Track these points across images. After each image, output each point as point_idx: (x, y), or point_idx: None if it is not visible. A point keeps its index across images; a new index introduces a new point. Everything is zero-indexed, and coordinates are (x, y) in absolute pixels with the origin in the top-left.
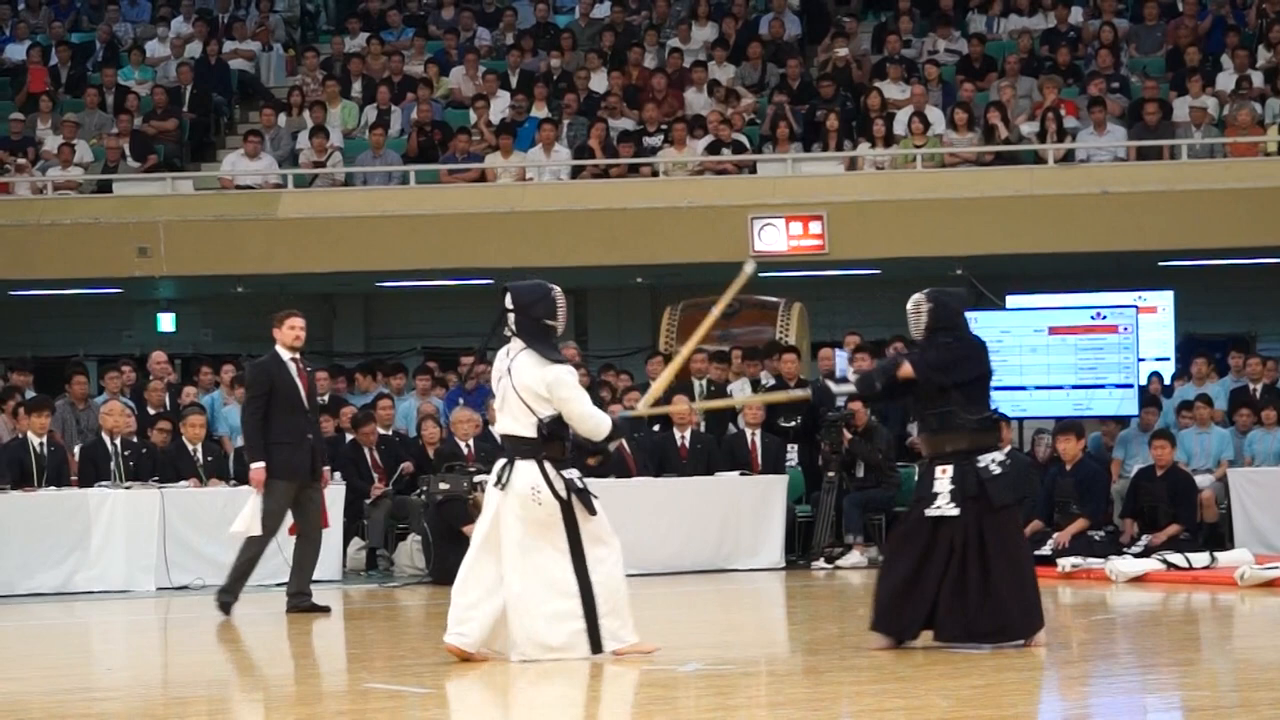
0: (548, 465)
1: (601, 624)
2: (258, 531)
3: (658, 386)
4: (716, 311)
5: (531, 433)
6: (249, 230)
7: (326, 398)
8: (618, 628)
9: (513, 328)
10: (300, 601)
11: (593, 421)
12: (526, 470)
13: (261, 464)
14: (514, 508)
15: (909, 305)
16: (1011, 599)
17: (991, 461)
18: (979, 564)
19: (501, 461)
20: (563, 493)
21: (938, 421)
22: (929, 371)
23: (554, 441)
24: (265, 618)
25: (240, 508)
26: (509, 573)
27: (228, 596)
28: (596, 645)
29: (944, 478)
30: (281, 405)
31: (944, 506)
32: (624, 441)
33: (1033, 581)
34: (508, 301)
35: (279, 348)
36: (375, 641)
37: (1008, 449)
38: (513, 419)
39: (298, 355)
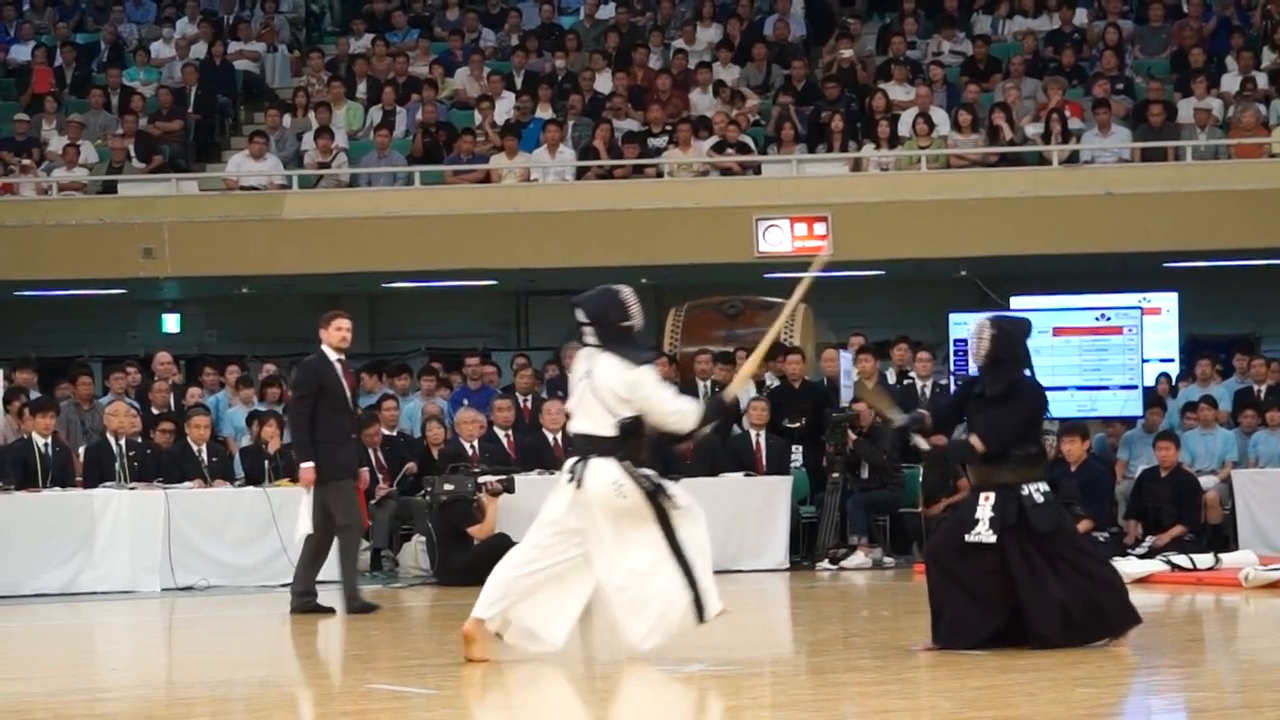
0: (626, 463)
1: (701, 588)
2: (311, 530)
3: (748, 369)
4: (798, 294)
5: (610, 432)
6: (254, 231)
7: None
8: (713, 590)
9: (592, 340)
10: (306, 601)
11: (676, 418)
12: (604, 467)
13: (311, 464)
14: (595, 507)
15: (972, 328)
16: (1100, 597)
17: (1035, 490)
18: (1056, 579)
19: (574, 459)
20: (645, 484)
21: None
22: (998, 446)
23: (632, 440)
24: (270, 618)
25: (242, 509)
26: (606, 571)
27: (357, 602)
28: (701, 615)
29: (985, 505)
30: (328, 405)
31: (983, 534)
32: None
33: (1118, 580)
34: (580, 316)
35: (325, 348)
36: (379, 642)
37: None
38: (590, 419)
39: (343, 356)
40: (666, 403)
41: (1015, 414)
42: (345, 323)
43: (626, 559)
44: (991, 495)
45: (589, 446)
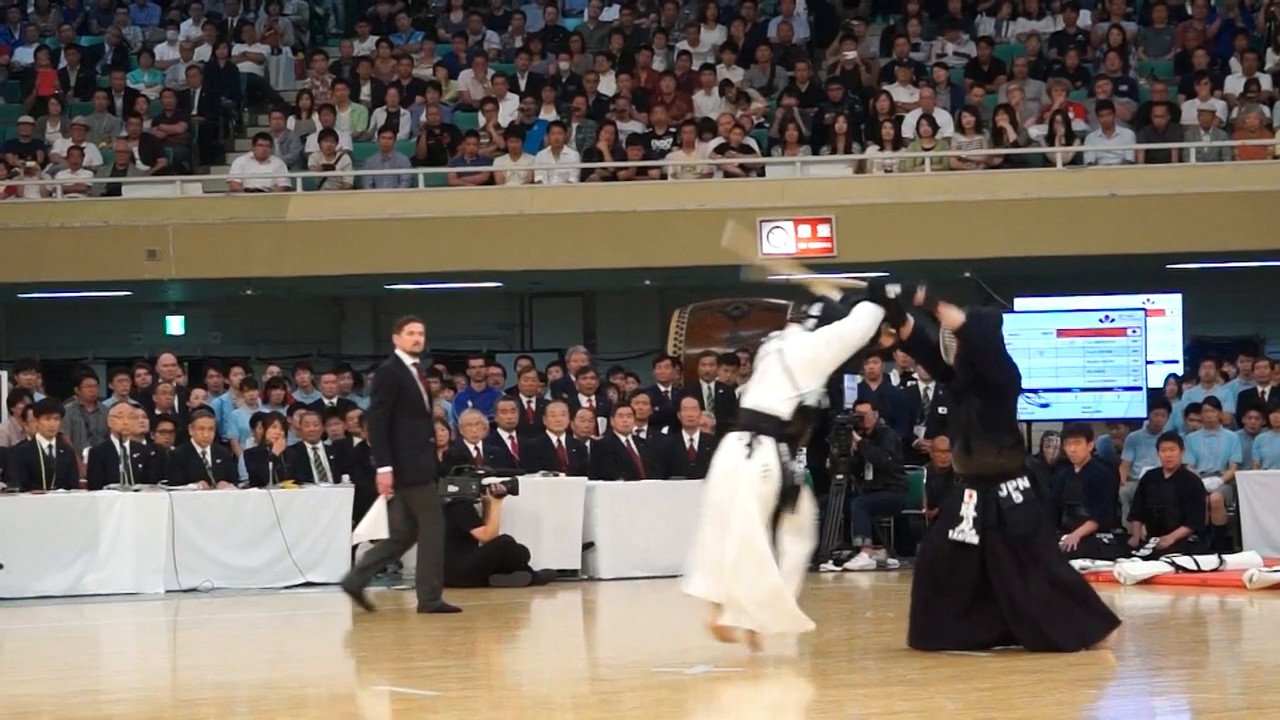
0: (783, 448)
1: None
2: (383, 535)
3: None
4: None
5: (780, 409)
6: (258, 233)
7: (335, 400)
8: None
9: (810, 324)
10: (353, 584)
11: (867, 323)
12: (765, 446)
13: (388, 469)
14: (743, 481)
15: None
16: (1071, 609)
17: (1014, 490)
18: (1022, 582)
19: (746, 434)
20: (786, 479)
21: (969, 440)
22: (975, 335)
23: (799, 424)
24: (274, 620)
25: (246, 511)
26: (743, 549)
27: (435, 601)
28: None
29: (969, 503)
30: (407, 409)
31: (966, 532)
32: (633, 446)
33: (1078, 592)
34: (814, 308)
35: (400, 352)
36: (384, 644)
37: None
38: (765, 393)
39: (418, 360)
40: (844, 326)
41: (997, 344)
42: (418, 326)
43: (759, 541)
44: (974, 495)
45: (756, 423)
